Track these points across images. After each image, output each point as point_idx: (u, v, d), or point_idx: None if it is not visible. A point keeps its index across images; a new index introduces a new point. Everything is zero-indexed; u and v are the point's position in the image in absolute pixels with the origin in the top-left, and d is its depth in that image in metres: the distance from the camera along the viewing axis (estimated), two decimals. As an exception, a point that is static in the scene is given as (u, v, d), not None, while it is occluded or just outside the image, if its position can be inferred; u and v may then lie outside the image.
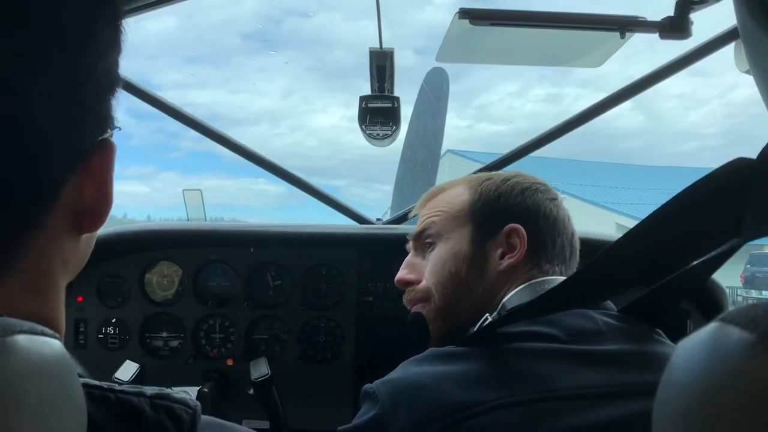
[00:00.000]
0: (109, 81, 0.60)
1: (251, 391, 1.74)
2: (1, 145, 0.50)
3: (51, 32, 0.52)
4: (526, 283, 1.15)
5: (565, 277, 1.19)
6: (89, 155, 0.59)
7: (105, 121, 0.61)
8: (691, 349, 0.47)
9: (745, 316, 0.43)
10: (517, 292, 1.15)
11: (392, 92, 1.92)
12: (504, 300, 1.15)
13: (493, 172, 1.35)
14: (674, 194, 0.80)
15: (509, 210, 1.22)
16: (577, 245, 1.27)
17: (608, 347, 0.98)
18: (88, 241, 0.67)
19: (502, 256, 1.19)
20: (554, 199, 1.27)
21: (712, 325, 0.46)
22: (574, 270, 1.25)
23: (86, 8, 0.55)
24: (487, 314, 1.14)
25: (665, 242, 0.86)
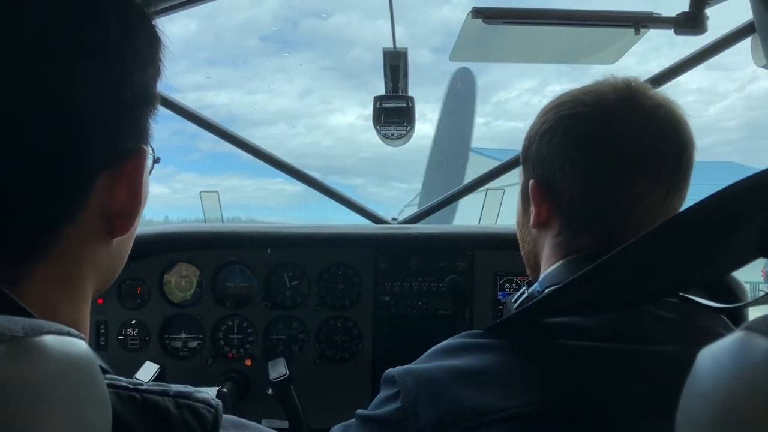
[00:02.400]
0: (146, 95, 0.65)
1: (270, 391, 1.75)
2: (42, 136, 0.54)
3: (94, 35, 0.57)
4: (564, 259, 1.01)
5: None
6: (124, 161, 0.63)
7: (141, 132, 0.66)
8: (716, 357, 0.46)
9: None
10: (554, 268, 1.02)
11: (406, 92, 1.92)
12: (545, 273, 1.05)
13: (567, 95, 1.05)
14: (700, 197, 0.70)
15: (533, 158, 1.05)
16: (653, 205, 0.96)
17: (652, 347, 0.85)
18: (120, 247, 0.70)
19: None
20: (604, 139, 0.96)
21: (738, 334, 0.45)
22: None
23: (126, 21, 0.61)
24: (524, 288, 1.07)
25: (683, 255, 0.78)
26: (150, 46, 0.65)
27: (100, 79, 0.57)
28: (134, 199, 0.65)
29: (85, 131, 0.57)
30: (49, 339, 0.41)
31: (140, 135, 0.66)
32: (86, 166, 0.59)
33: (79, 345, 0.44)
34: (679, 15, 1.50)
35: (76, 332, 0.45)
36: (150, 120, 0.68)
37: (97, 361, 0.48)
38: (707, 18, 1.52)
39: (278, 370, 1.74)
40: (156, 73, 0.67)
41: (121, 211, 0.64)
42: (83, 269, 0.63)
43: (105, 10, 0.59)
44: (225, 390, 1.87)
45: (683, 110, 1.00)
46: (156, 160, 0.74)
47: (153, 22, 0.66)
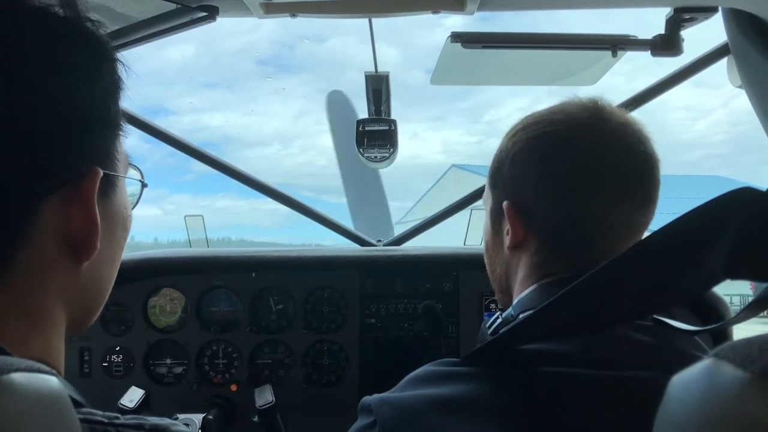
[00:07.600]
0: (100, 114, 0.63)
1: (256, 419, 1.74)
2: None
3: (18, 44, 0.56)
4: (537, 283, 1.01)
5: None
6: (78, 183, 0.61)
7: (95, 153, 0.64)
8: (686, 385, 0.47)
9: (739, 353, 0.44)
10: (528, 292, 1.01)
11: (389, 115, 1.93)
12: (518, 297, 1.03)
13: (534, 115, 1.06)
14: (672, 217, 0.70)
15: (505, 180, 1.06)
16: (623, 225, 0.96)
17: (629, 373, 0.84)
18: (94, 273, 0.67)
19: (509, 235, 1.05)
20: (574, 160, 0.97)
21: (707, 362, 0.45)
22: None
23: (54, 32, 0.60)
24: (499, 313, 1.05)
25: (655, 273, 0.78)
26: (93, 61, 0.63)
27: (37, 91, 0.56)
28: (91, 221, 0.62)
29: (27, 148, 0.56)
30: (18, 377, 0.40)
31: (95, 156, 0.63)
32: (31, 187, 0.57)
33: (49, 382, 0.43)
34: (655, 37, 1.52)
35: (46, 368, 0.44)
36: (113, 142, 0.66)
37: (73, 395, 0.47)
38: (683, 40, 1.54)
39: (264, 397, 1.73)
40: (107, 91, 0.64)
41: (81, 235, 0.62)
42: (48, 298, 0.61)
43: (25, 22, 0.58)
44: (210, 417, 1.85)
45: (648, 129, 1.01)
46: (143, 186, 0.72)
47: (101, 39, 0.64)
